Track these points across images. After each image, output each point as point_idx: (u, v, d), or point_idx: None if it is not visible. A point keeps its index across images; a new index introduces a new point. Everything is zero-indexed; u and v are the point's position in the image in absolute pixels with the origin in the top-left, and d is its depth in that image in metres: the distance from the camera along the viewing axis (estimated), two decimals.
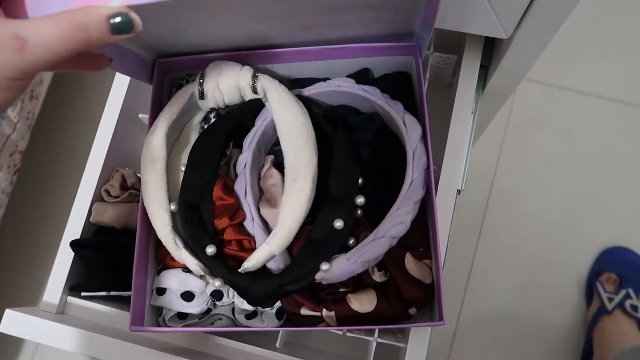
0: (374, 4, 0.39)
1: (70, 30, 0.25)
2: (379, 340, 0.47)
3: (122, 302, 0.52)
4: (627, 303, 0.85)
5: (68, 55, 0.25)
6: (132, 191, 0.52)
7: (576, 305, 0.92)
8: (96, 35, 0.25)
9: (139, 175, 0.53)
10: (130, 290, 0.41)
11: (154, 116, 0.43)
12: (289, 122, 0.39)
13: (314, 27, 0.43)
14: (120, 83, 0.55)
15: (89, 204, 0.52)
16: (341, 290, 0.40)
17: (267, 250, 0.37)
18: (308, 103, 0.42)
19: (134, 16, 0.26)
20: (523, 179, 0.98)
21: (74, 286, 0.51)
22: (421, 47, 0.43)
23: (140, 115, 0.55)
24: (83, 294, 0.51)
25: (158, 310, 0.44)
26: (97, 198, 0.53)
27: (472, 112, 0.52)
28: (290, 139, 0.38)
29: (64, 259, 0.51)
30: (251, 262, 0.38)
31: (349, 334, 0.47)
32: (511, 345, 0.92)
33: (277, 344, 0.47)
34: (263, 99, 0.42)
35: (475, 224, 0.97)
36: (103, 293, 0.50)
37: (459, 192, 0.50)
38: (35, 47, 0.25)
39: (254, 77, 0.41)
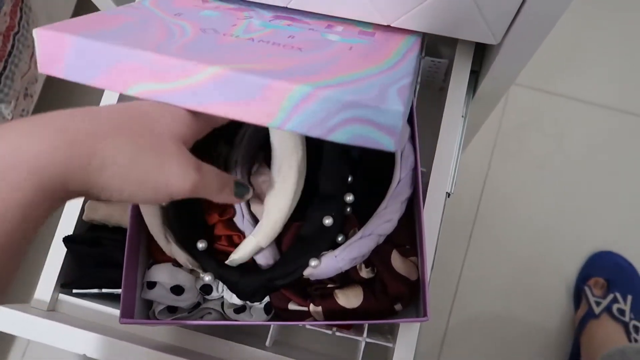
0: None
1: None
2: (368, 340, 0.47)
3: (113, 300, 0.52)
4: (614, 307, 0.86)
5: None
6: None
7: (564, 309, 0.93)
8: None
9: None
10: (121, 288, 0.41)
11: None
12: None
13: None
14: None
15: (81, 202, 0.52)
16: (329, 286, 0.41)
17: (254, 242, 0.38)
18: None
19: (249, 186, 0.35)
20: (514, 183, 0.99)
21: (66, 283, 0.51)
22: None
23: None
24: (75, 291, 0.51)
25: (148, 305, 0.45)
26: None
27: (462, 117, 0.53)
28: (276, 130, 0.39)
29: (55, 257, 0.51)
30: (238, 254, 0.38)
31: (338, 334, 0.47)
32: (500, 348, 0.92)
33: (267, 343, 0.48)
34: None
35: (466, 227, 0.98)
36: (95, 290, 0.51)
37: (448, 195, 0.51)
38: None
39: None
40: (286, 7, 0.44)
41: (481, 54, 0.55)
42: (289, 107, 0.28)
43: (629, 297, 0.87)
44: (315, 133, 0.29)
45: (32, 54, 0.78)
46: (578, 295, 0.92)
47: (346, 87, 0.29)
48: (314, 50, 0.36)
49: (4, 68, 0.69)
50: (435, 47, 0.57)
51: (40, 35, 0.31)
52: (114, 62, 0.30)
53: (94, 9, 0.56)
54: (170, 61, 0.29)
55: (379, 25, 0.45)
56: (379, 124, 0.28)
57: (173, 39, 0.33)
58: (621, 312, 0.86)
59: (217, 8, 0.42)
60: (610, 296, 0.87)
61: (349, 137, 0.28)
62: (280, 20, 0.42)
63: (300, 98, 0.28)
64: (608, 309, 0.86)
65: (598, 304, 0.87)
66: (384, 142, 0.28)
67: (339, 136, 0.28)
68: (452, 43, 0.55)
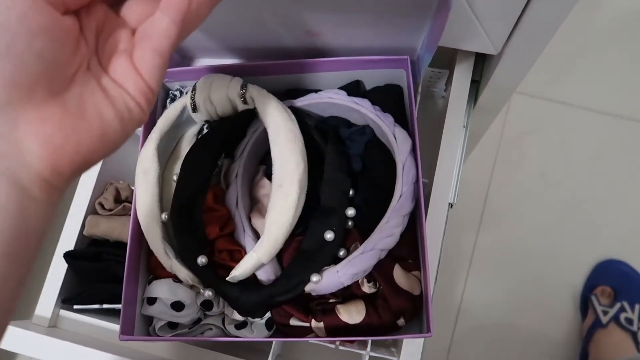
0: (380, 19, 0.40)
1: None
2: (372, 354, 0.47)
3: (114, 316, 0.52)
4: (622, 316, 0.85)
5: None
6: (125, 204, 0.53)
7: (571, 318, 0.92)
8: None
9: (132, 188, 0.54)
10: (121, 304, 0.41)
11: (147, 129, 0.44)
12: (276, 128, 0.39)
13: (320, 35, 0.43)
14: None
15: (82, 217, 0.52)
16: (331, 301, 0.41)
17: (255, 258, 0.37)
18: (300, 114, 0.42)
19: None
20: (517, 192, 0.99)
21: (67, 299, 0.51)
22: (420, 66, 0.43)
23: None
24: (76, 307, 0.51)
25: (149, 321, 0.44)
26: (91, 211, 0.53)
27: (463, 126, 0.53)
28: (278, 145, 0.39)
29: (56, 272, 0.51)
30: (239, 271, 0.38)
31: (341, 348, 0.47)
32: (507, 359, 0.91)
33: (270, 358, 0.47)
34: (255, 109, 0.43)
35: (470, 238, 0.97)
36: (95, 306, 0.50)
37: (450, 205, 0.50)
38: None
39: (243, 87, 0.41)
40: None
41: (481, 63, 0.55)
42: None
43: (637, 306, 0.86)
44: None
45: None
46: (585, 304, 0.91)
47: None
48: None
49: None
50: (435, 58, 0.56)
51: None
52: None
53: None
54: None
55: None
56: None
57: None
58: (629, 321, 0.85)
59: None
60: (618, 305, 0.86)
61: None
62: None
63: None
64: (615, 318, 0.85)
65: (605, 313, 0.86)
66: None
67: None
68: (452, 53, 0.54)
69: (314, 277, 0.37)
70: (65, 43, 0.23)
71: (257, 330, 0.42)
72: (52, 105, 0.23)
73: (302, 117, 0.42)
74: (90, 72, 0.25)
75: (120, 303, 0.41)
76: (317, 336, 0.40)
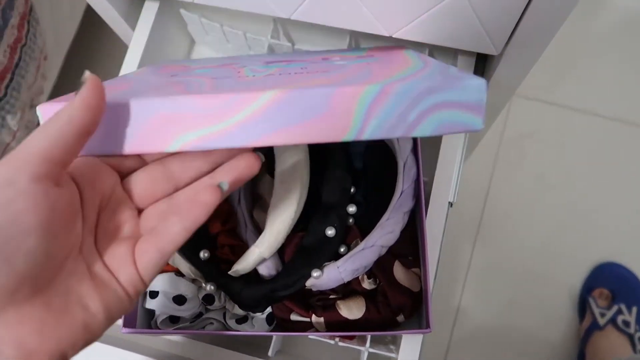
0: None
1: None
2: (371, 350, 0.47)
3: None
4: (619, 318, 0.85)
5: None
6: None
7: (569, 320, 0.93)
8: None
9: None
10: None
11: None
12: None
13: None
14: None
15: None
16: (331, 297, 0.41)
17: (256, 253, 0.38)
18: None
19: None
20: (516, 194, 0.99)
21: None
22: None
23: None
24: None
25: (150, 314, 0.45)
26: None
27: None
28: None
29: None
30: (241, 265, 0.38)
31: (340, 344, 0.47)
32: None
33: (270, 353, 0.48)
34: None
35: (469, 239, 0.97)
36: None
37: (450, 204, 0.51)
38: None
39: None
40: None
41: (482, 64, 0.55)
42: (362, 112, 0.25)
43: (634, 309, 0.86)
44: (397, 133, 0.26)
45: (39, 66, 0.79)
46: (582, 306, 0.91)
47: (411, 79, 0.26)
48: (337, 70, 0.33)
49: (11, 79, 0.69)
50: (436, 58, 0.57)
51: (45, 111, 0.26)
52: (144, 118, 0.26)
53: (101, 21, 0.57)
54: (216, 98, 0.25)
55: (370, 49, 0.45)
56: (464, 103, 0.25)
57: (195, 87, 0.29)
58: (626, 323, 0.85)
59: (205, 67, 0.40)
60: (615, 307, 0.86)
61: (434, 127, 0.26)
62: (276, 63, 0.39)
63: (372, 98, 0.25)
64: (613, 321, 0.85)
65: (603, 315, 0.86)
66: (472, 122, 0.26)
67: (423, 130, 0.26)
68: (453, 53, 0.55)
69: (315, 273, 0.38)
70: (59, 232, 0.22)
71: (257, 325, 0.43)
72: (33, 304, 0.21)
73: None
74: (82, 255, 0.24)
75: None
76: (317, 331, 0.41)
